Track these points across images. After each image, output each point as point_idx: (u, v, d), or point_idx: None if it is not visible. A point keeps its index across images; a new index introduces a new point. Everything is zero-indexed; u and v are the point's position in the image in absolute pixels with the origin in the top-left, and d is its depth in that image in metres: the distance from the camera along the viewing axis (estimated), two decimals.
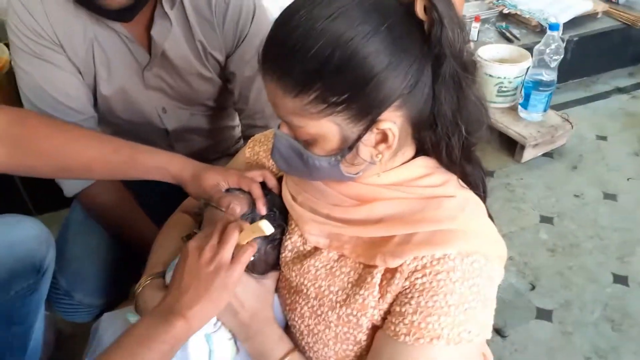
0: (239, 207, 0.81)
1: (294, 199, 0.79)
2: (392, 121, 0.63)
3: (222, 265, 0.67)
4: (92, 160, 0.92)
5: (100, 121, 1.21)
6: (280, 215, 0.83)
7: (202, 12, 1.09)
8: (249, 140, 0.96)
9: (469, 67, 0.65)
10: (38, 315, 1.11)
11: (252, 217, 0.82)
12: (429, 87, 0.64)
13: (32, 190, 1.81)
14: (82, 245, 1.22)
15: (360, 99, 0.61)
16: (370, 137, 0.64)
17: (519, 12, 2.49)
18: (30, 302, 1.07)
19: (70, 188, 1.16)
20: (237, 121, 1.40)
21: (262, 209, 0.82)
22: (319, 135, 0.64)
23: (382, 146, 0.65)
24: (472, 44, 2.28)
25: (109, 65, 1.11)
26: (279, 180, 0.87)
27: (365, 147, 0.65)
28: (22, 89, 1.09)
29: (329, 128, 0.63)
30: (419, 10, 0.60)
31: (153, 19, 1.06)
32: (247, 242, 0.70)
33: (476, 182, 0.74)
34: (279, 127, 0.69)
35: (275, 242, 0.81)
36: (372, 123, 0.63)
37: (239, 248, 0.69)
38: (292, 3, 0.62)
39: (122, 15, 1.01)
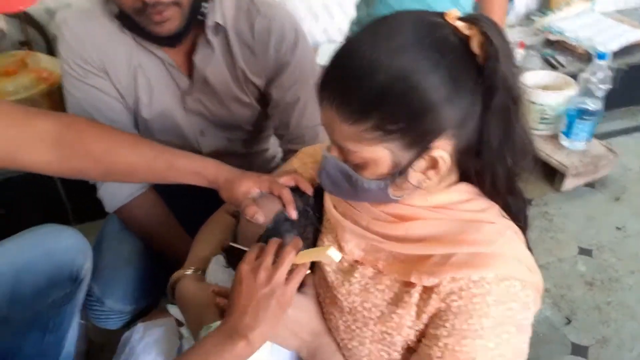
0: (262, 217, 0.84)
1: (335, 207, 0.81)
2: (444, 149, 0.65)
3: (278, 287, 0.70)
4: (135, 164, 0.96)
5: None
6: (314, 215, 0.85)
7: (245, 38, 1.11)
8: (299, 152, 0.99)
9: (518, 100, 0.66)
10: (72, 324, 1.14)
11: (281, 218, 0.84)
12: (479, 117, 0.65)
13: (73, 200, 1.87)
14: (115, 254, 1.25)
15: (415, 129, 0.63)
16: (421, 163, 0.66)
17: (565, 39, 2.44)
18: (65, 311, 1.10)
19: (111, 203, 1.20)
20: (270, 144, 1.42)
21: (292, 213, 0.84)
22: (371, 159, 0.66)
23: (431, 172, 0.67)
24: None
25: (151, 91, 1.15)
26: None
27: (415, 173, 0.67)
28: (68, 110, 1.15)
29: (381, 153, 0.65)
30: (475, 44, 0.62)
31: (196, 46, 1.09)
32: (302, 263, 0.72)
33: (517, 214, 0.75)
34: (327, 149, 0.71)
35: (308, 241, 0.83)
36: (424, 150, 0.65)
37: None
38: (355, 35, 0.66)
39: (169, 41, 1.05)
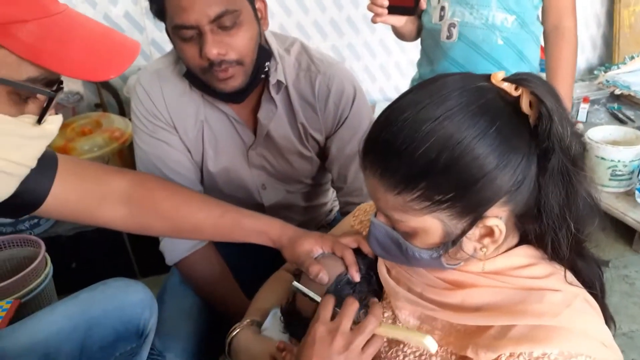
0: (326, 277, 0.83)
1: (388, 272, 0.78)
2: (498, 216, 0.62)
3: (354, 354, 0.67)
4: (202, 222, 0.98)
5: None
6: (377, 280, 0.82)
7: (306, 96, 1.15)
8: (356, 209, 0.98)
9: (578, 162, 0.62)
10: None
11: (343, 280, 0.82)
12: (535, 180, 0.62)
13: (139, 255, 1.92)
14: (176, 308, 1.25)
15: (466, 198, 0.60)
16: (475, 231, 0.63)
17: (632, 93, 2.37)
18: None
19: (171, 256, 1.21)
20: (329, 198, 1.42)
21: (355, 276, 0.83)
22: (420, 229, 0.63)
23: (487, 240, 0.64)
24: (581, 125, 2.18)
25: (217, 145, 1.18)
26: None
27: (470, 241, 0.64)
28: (138, 164, 1.19)
29: (431, 224, 0.62)
30: (525, 105, 0.60)
31: (260, 102, 1.13)
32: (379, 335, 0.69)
33: (591, 280, 0.68)
34: (376, 215, 0.69)
35: (367, 308, 0.79)
36: (477, 219, 0.62)
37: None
38: (396, 102, 0.64)
39: (233, 97, 1.09)
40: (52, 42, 0.58)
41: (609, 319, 0.68)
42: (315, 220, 1.41)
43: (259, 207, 1.29)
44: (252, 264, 1.30)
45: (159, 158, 1.15)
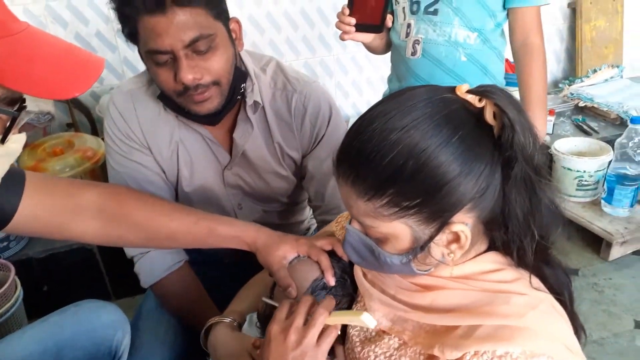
0: (295, 292, 0.85)
1: (364, 275, 0.80)
2: (464, 222, 0.63)
3: (309, 349, 0.68)
4: (176, 230, 0.97)
5: None
6: (351, 284, 0.84)
7: (282, 115, 1.15)
8: (338, 216, 0.99)
9: (541, 171, 0.64)
10: None
11: (319, 285, 0.83)
12: (500, 188, 0.64)
13: (113, 276, 1.89)
14: (151, 333, 1.23)
15: (431, 204, 0.62)
16: (442, 237, 0.65)
17: (596, 105, 2.45)
18: None
19: (146, 278, 1.20)
20: (306, 216, 1.42)
21: (331, 280, 0.84)
22: (390, 235, 0.65)
23: (454, 246, 0.65)
24: (548, 137, 2.24)
25: (192, 165, 1.18)
26: None
27: (437, 247, 0.65)
28: (112, 182, 1.18)
29: (400, 229, 0.64)
30: (489, 116, 0.62)
31: (235, 123, 1.13)
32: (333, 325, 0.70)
33: (559, 287, 0.70)
34: (350, 222, 0.71)
35: (344, 310, 0.82)
36: (443, 225, 0.63)
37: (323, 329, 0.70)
38: (367, 113, 0.66)
39: (209, 119, 1.08)
40: (14, 61, 0.57)
41: (579, 328, 0.70)
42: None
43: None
44: (229, 280, 1.31)
45: (133, 178, 1.14)
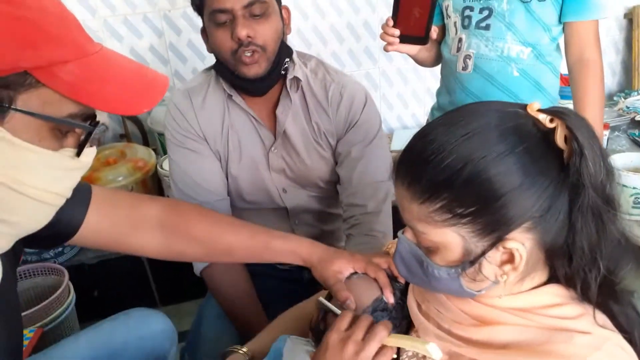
0: (354, 304, 0.84)
1: (418, 306, 0.78)
2: (521, 242, 0.61)
3: None
4: (233, 244, 1.00)
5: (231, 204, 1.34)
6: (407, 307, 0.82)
7: (319, 99, 1.24)
8: (387, 243, 0.99)
9: (611, 202, 0.61)
10: None
11: (380, 305, 0.82)
12: (565, 214, 0.61)
13: (160, 284, 1.94)
14: (212, 344, 1.25)
15: (487, 215, 0.60)
16: (496, 255, 0.62)
17: None
18: None
19: (197, 265, 1.25)
20: None
21: (390, 297, 0.83)
22: (441, 243, 0.63)
23: (507, 267, 0.62)
24: None
25: (240, 148, 1.26)
26: None
27: (490, 265, 0.63)
28: (171, 175, 1.27)
29: (452, 238, 0.62)
30: (559, 138, 0.60)
31: (278, 101, 1.22)
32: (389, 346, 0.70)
33: (628, 326, 0.66)
34: (403, 232, 0.70)
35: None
36: (498, 240, 0.61)
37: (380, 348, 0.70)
38: (434, 120, 0.66)
39: (256, 86, 1.17)
40: (91, 80, 0.61)
41: None
42: (336, 235, 1.44)
43: (281, 210, 1.34)
44: (280, 291, 1.32)
45: (190, 166, 1.24)
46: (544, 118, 0.61)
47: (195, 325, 1.31)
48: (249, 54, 1.11)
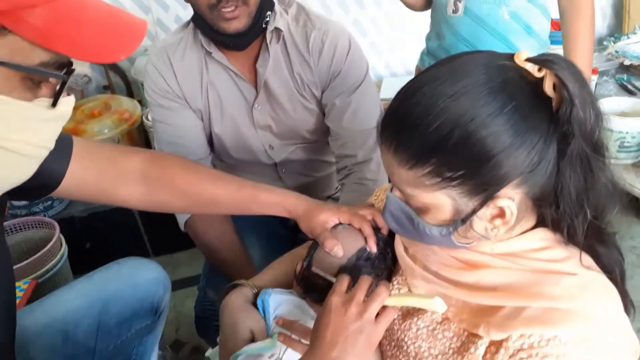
0: (341, 251, 0.84)
1: (405, 249, 0.79)
2: (510, 197, 0.60)
3: (368, 323, 0.68)
4: (219, 196, 0.99)
5: (216, 160, 1.34)
6: (392, 257, 0.83)
7: (301, 49, 1.20)
8: (376, 190, 0.99)
9: (600, 148, 0.60)
10: (152, 355, 1.17)
11: (363, 255, 0.83)
12: (554, 164, 0.60)
13: (151, 234, 1.95)
14: None
15: (476, 176, 0.59)
16: (486, 211, 0.62)
17: None
18: (147, 342, 1.13)
19: (181, 219, 1.25)
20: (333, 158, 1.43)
21: (373, 247, 0.84)
22: (431, 205, 0.63)
23: (498, 221, 0.62)
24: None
25: (221, 105, 1.23)
26: None
27: (480, 221, 0.63)
28: (155, 135, 1.27)
29: (442, 200, 0.62)
30: (548, 87, 0.58)
31: (258, 55, 1.19)
32: (392, 306, 0.71)
33: (611, 266, 0.67)
34: (391, 189, 0.69)
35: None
36: (488, 199, 0.61)
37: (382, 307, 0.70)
38: (417, 77, 0.63)
39: (236, 41, 1.12)
40: (62, 25, 0.58)
41: (628, 304, 0.67)
42: (327, 180, 1.44)
43: (270, 166, 1.34)
44: (265, 242, 1.34)
45: (171, 126, 1.23)
46: (531, 67, 0.59)
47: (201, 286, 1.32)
48: (230, 9, 1.05)
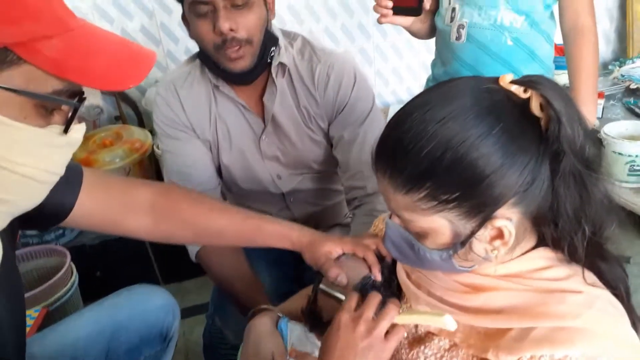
0: (345, 279, 0.85)
1: (408, 276, 0.78)
2: (508, 218, 0.61)
3: (377, 340, 0.68)
4: (224, 228, 1.00)
5: (225, 190, 1.35)
6: (397, 285, 0.83)
7: (307, 83, 1.21)
8: (376, 219, 0.99)
9: (592, 164, 0.61)
10: None
11: (369, 283, 0.83)
12: (548, 182, 0.61)
13: (161, 262, 1.96)
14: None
15: (472, 198, 0.60)
16: (485, 233, 0.62)
17: None
18: None
19: (192, 250, 1.25)
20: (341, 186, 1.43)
21: (378, 275, 0.84)
22: (430, 229, 0.64)
23: (497, 242, 0.63)
24: (597, 122, 2.16)
25: (230, 137, 1.25)
26: None
27: (480, 243, 0.63)
28: (164, 166, 1.28)
29: (440, 223, 0.63)
30: (535, 107, 0.60)
31: (265, 88, 1.20)
32: (402, 324, 0.70)
33: (614, 282, 0.67)
34: (390, 216, 0.70)
35: None
36: (485, 220, 0.61)
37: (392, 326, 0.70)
38: (407, 104, 0.65)
39: (243, 78, 1.15)
40: (75, 55, 0.61)
41: (635, 320, 0.67)
42: (335, 209, 1.44)
43: (278, 195, 1.34)
44: (274, 267, 1.34)
45: (180, 157, 1.24)
46: (517, 89, 0.61)
47: (217, 290, 1.32)
48: (235, 49, 1.07)
